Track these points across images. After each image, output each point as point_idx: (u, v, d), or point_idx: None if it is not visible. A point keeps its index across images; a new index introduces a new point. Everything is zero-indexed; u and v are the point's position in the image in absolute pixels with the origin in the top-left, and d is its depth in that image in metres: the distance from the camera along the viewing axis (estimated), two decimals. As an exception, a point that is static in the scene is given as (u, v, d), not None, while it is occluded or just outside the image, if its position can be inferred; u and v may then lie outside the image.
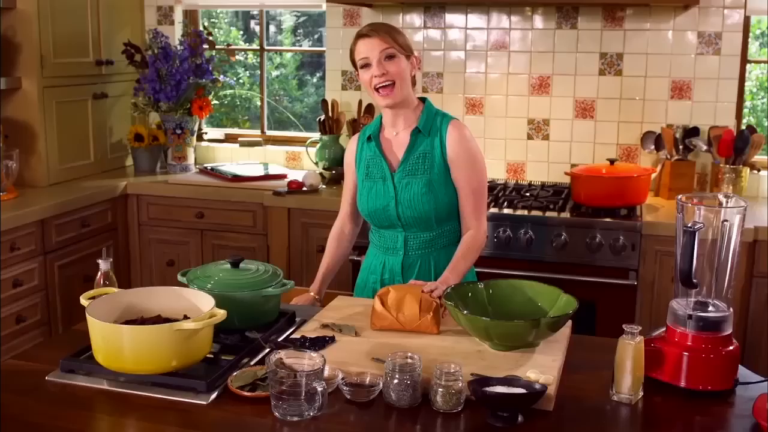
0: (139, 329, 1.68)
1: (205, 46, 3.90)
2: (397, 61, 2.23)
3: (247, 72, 4.64)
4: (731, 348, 1.73)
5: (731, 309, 1.75)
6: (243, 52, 4.59)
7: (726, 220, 1.71)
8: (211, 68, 3.89)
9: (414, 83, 2.33)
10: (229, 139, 4.36)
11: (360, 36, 2.26)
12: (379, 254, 2.41)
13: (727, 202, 1.77)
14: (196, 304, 1.82)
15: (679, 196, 1.78)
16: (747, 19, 3.48)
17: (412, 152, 2.30)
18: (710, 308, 1.74)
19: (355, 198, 2.44)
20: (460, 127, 2.30)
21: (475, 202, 2.29)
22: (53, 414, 1.62)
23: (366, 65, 2.24)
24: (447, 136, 2.28)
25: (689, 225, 1.69)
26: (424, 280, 2.22)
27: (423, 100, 2.36)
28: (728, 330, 1.73)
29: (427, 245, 2.33)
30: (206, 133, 4.37)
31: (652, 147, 3.56)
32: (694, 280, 1.72)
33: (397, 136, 2.34)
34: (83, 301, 1.81)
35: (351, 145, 2.46)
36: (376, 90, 2.24)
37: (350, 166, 2.45)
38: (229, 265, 2.08)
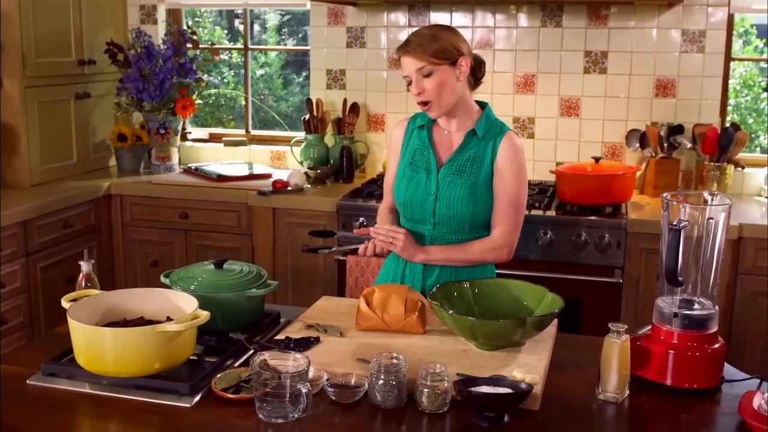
0: (122, 332, 1.66)
1: (189, 45, 3.87)
2: (434, 77, 2.18)
3: (232, 71, 4.62)
4: (717, 346, 1.73)
5: (717, 307, 1.75)
6: (227, 51, 4.57)
7: (711, 218, 1.71)
8: (194, 67, 3.87)
9: (471, 85, 2.29)
10: (214, 138, 4.33)
11: (399, 50, 2.23)
12: None
13: (712, 199, 1.77)
14: (180, 306, 1.81)
15: (665, 194, 1.78)
16: (731, 17, 3.50)
17: (463, 152, 2.27)
18: (696, 306, 1.74)
19: None
20: (514, 139, 2.26)
21: (506, 212, 2.24)
22: (35, 418, 1.60)
23: (410, 82, 2.23)
24: (500, 145, 2.24)
25: (674, 223, 1.69)
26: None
27: (484, 105, 2.32)
28: (714, 328, 1.73)
29: None
30: (190, 133, 4.34)
31: (637, 145, 3.57)
32: (680, 278, 1.72)
33: (449, 135, 2.31)
34: (65, 303, 1.79)
35: (398, 130, 2.41)
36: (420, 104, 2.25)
37: (395, 152, 2.40)
38: (212, 266, 2.06)
